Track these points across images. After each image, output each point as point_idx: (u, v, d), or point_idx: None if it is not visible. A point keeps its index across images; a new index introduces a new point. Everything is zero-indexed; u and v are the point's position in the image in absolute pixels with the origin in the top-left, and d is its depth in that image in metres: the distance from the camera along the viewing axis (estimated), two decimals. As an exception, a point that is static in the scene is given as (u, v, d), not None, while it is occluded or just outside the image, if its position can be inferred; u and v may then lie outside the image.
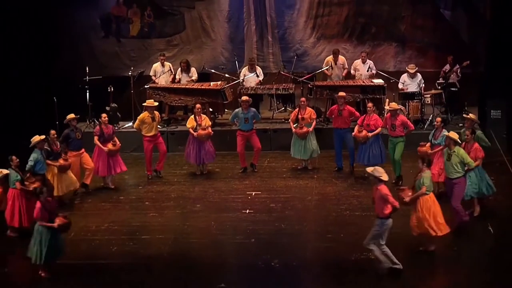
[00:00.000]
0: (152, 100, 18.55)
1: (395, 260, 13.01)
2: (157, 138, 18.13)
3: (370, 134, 17.16)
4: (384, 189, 12.78)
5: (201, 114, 18.21)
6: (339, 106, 18.01)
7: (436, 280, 13.40)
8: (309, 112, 18.17)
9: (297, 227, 15.08)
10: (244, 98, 18.39)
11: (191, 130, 18.09)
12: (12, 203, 14.93)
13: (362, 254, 14.07)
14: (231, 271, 13.86)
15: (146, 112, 17.99)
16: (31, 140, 15.72)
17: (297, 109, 18.33)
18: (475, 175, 15.09)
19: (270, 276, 13.70)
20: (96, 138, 17.43)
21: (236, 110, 18.43)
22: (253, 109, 18.46)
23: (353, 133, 17.57)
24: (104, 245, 14.74)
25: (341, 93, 18.24)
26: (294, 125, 18.08)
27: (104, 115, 17.70)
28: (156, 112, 18.21)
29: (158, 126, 18.44)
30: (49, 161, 16.02)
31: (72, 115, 17.18)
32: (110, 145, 17.39)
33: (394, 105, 17.25)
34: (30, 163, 15.49)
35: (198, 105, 18.45)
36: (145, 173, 18.24)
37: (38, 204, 13.10)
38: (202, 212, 16.24)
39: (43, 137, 15.86)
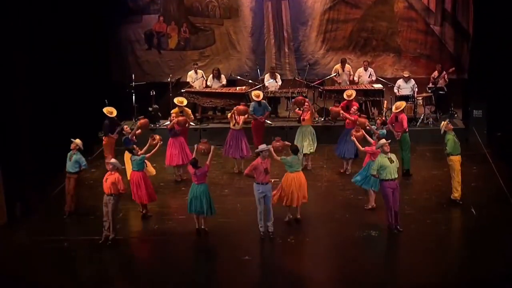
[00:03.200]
0: (179, 99, 18.33)
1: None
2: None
3: (341, 112, 17.10)
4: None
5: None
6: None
7: (426, 253, 13.27)
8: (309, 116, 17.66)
9: (309, 209, 14.97)
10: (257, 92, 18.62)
11: (232, 127, 17.78)
12: (145, 183, 14.86)
13: (364, 232, 14.06)
14: (254, 246, 13.81)
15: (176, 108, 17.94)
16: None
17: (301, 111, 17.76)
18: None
19: (286, 250, 13.69)
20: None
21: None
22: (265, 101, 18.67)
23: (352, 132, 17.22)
24: (148, 223, 14.75)
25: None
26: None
27: (175, 114, 17.58)
28: (186, 109, 18.12)
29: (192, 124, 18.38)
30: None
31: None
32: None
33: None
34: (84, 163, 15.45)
35: (237, 107, 18.13)
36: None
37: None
38: (230, 196, 16.21)
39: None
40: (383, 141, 14.12)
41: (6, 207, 14.99)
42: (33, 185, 15.84)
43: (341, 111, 17.34)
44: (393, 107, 17.17)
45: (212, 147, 14.64)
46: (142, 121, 16.98)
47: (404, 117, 16.71)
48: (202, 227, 14.15)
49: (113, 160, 14.33)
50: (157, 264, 13.36)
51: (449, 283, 12.20)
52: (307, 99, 18.38)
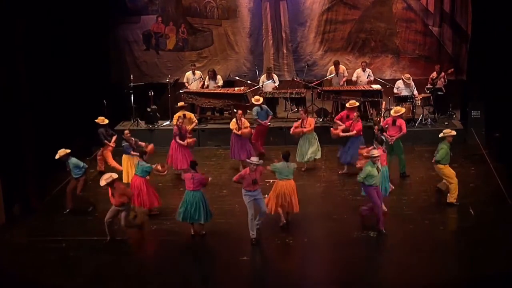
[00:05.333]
0: (182, 102, 18.64)
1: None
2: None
3: (342, 134, 16.96)
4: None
5: (242, 118, 17.81)
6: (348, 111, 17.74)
7: (425, 253, 13.32)
8: (310, 122, 17.75)
9: (307, 210, 15.00)
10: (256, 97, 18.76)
11: (235, 131, 17.64)
12: (147, 189, 14.99)
13: (362, 232, 14.11)
14: (252, 246, 13.84)
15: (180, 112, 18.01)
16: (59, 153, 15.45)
17: (299, 121, 17.74)
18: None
19: (285, 251, 13.73)
20: (177, 137, 17.17)
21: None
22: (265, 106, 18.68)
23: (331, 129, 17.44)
24: (146, 224, 14.77)
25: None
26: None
27: (178, 118, 17.51)
28: (187, 113, 18.15)
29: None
30: (133, 152, 16.23)
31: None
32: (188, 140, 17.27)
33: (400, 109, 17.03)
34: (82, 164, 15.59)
35: (240, 111, 17.97)
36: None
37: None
38: (228, 196, 16.24)
39: (68, 151, 15.54)
40: (375, 152, 14.15)
41: (5, 207, 15.04)
42: (32, 185, 15.89)
43: (341, 134, 17.05)
44: (392, 111, 17.13)
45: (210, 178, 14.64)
46: (150, 148, 16.34)
47: (403, 122, 16.71)
48: (203, 232, 14.16)
49: (103, 179, 14.02)
50: (155, 264, 13.41)
51: (447, 283, 12.25)
52: (301, 111, 18.29)
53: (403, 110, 17.08)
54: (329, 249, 13.83)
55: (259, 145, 18.30)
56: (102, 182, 13.91)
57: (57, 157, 15.41)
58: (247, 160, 14.24)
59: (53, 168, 17.29)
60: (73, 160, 15.49)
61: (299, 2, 21.63)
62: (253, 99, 18.71)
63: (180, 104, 18.52)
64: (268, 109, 18.77)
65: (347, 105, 17.89)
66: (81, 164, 15.54)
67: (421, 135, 19.17)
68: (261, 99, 18.69)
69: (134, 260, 13.82)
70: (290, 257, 13.63)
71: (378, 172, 13.89)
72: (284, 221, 14.43)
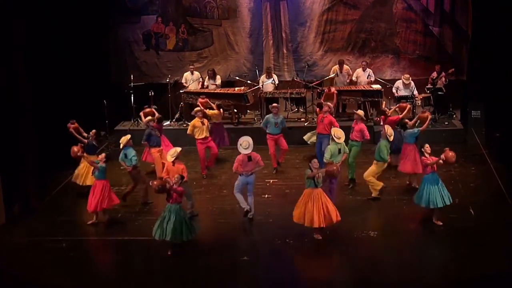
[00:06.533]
0: (198, 108, 18.40)
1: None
2: (208, 141, 17.67)
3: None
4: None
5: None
6: (323, 114, 17.20)
7: (425, 253, 13.33)
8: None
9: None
10: (274, 104, 17.98)
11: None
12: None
13: (363, 232, 14.12)
14: (253, 246, 13.85)
15: (197, 118, 17.58)
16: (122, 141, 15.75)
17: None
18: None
19: (285, 251, 13.72)
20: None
21: (267, 116, 17.95)
22: (282, 115, 18.18)
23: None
24: (146, 224, 14.74)
25: (327, 103, 17.63)
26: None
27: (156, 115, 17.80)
28: (205, 119, 17.75)
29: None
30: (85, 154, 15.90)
31: (149, 118, 17.22)
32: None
33: (360, 112, 16.70)
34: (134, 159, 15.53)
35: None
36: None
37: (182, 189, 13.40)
38: (228, 196, 16.16)
39: (128, 137, 15.80)
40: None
41: (5, 207, 15.05)
42: (32, 185, 15.90)
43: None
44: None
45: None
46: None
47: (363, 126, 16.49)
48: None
49: (170, 154, 14.52)
50: (153, 264, 13.40)
51: (447, 283, 12.26)
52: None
53: (362, 112, 16.80)
54: (329, 249, 13.83)
55: (277, 154, 18.00)
56: (169, 158, 14.35)
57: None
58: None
59: (53, 168, 17.35)
60: (128, 150, 15.56)
61: (299, 2, 21.66)
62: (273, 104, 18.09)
63: (196, 110, 18.04)
64: (284, 119, 18.10)
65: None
66: (130, 155, 15.46)
67: (421, 135, 19.08)
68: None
69: (134, 260, 13.81)
70: (290, 257, 13.63)
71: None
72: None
